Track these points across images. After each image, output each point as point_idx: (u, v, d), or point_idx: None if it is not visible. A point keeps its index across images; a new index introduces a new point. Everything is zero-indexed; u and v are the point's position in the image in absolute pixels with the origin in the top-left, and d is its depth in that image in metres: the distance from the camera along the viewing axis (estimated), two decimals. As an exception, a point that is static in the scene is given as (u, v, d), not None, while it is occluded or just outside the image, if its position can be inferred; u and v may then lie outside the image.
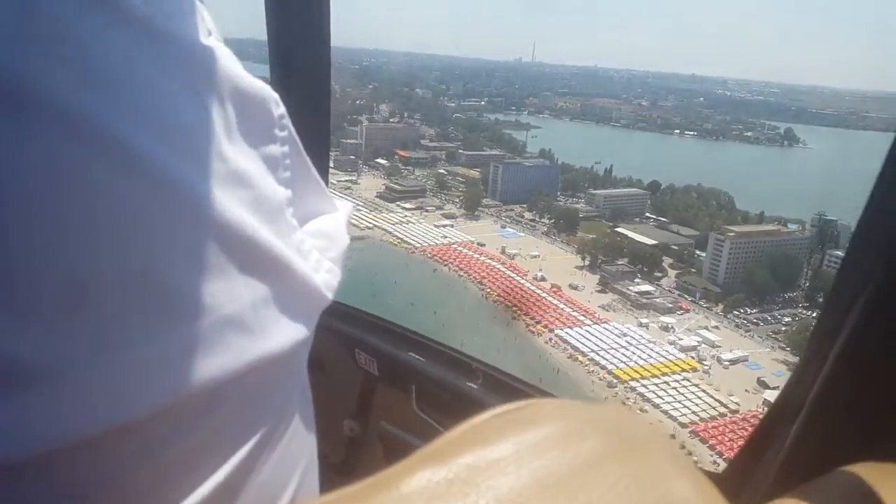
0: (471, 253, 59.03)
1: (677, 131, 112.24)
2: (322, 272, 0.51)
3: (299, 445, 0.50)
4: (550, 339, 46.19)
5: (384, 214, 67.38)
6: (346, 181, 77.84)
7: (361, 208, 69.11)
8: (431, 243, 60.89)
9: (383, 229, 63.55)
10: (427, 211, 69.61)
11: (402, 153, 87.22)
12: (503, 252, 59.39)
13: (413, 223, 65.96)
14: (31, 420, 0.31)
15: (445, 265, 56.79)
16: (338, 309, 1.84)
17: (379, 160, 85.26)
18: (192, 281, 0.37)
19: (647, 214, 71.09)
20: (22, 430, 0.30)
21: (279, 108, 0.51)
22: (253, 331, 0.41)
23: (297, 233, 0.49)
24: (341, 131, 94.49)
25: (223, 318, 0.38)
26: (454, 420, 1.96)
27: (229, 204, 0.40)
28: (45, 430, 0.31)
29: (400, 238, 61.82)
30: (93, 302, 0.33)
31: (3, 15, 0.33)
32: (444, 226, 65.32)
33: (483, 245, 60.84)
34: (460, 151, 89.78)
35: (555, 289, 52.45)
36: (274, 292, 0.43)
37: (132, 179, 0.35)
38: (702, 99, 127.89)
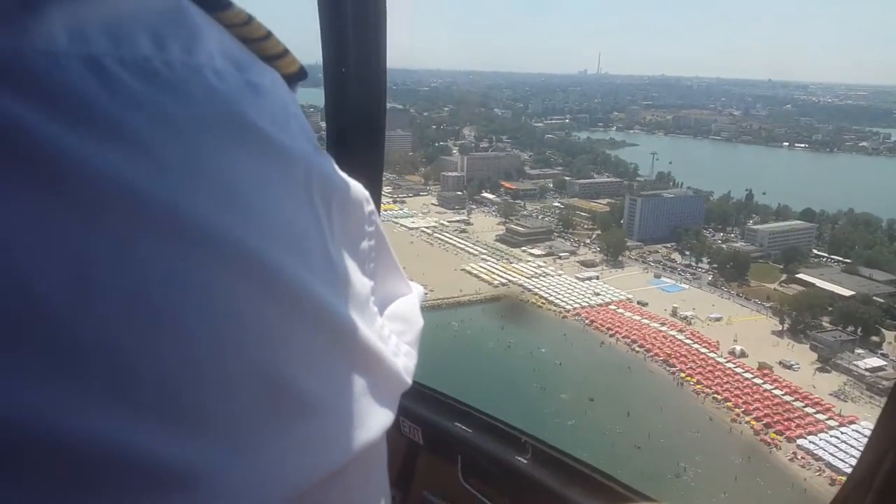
0: (635, 316, 45.89)
1: (786, 144, 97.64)
2: (401, 356, 0.52)
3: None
4: (795, 454, 32.80)
5: (514, 265, 54.69)
6: (457, 222, 65.17)
7: (487, 257, 56.48)
8: (583, 303, 47.87)
9: (520, 285, 50.84)
10: (560, 258, 56.71)
11: (507, 185, 74.51)
12: (675, 314, 46.10)
13: (551, 275, 53.09)
14: None
15: (611, 335, 43.75)
16: None
17: (486, 194, 72.67)
18: (312, 381, 0.39)
19: (816, 252, 57.20)
20: None
21: (369, 206, 0.53)
22: (355, 422, 0.42)
23: (378, 319, 0.50)
24: (437, 162, 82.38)
25: (334, 413, 0.40)
26: (502, 494, 1.75)
27: (339, 305, 0.42)
28: None
29: (543, 297, 48.98)
30: (233, 408, 0.35)
31: (153, 145, 0.35)
32: (589, 278, 52.30)
33: (645, 305, 47.69)
34: (567, 179, 76.83)
35: (764, 370, 39.02)
36: (369, 383, 0.44)
37: (267, 293, 0.38)
38: (789, 106, 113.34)
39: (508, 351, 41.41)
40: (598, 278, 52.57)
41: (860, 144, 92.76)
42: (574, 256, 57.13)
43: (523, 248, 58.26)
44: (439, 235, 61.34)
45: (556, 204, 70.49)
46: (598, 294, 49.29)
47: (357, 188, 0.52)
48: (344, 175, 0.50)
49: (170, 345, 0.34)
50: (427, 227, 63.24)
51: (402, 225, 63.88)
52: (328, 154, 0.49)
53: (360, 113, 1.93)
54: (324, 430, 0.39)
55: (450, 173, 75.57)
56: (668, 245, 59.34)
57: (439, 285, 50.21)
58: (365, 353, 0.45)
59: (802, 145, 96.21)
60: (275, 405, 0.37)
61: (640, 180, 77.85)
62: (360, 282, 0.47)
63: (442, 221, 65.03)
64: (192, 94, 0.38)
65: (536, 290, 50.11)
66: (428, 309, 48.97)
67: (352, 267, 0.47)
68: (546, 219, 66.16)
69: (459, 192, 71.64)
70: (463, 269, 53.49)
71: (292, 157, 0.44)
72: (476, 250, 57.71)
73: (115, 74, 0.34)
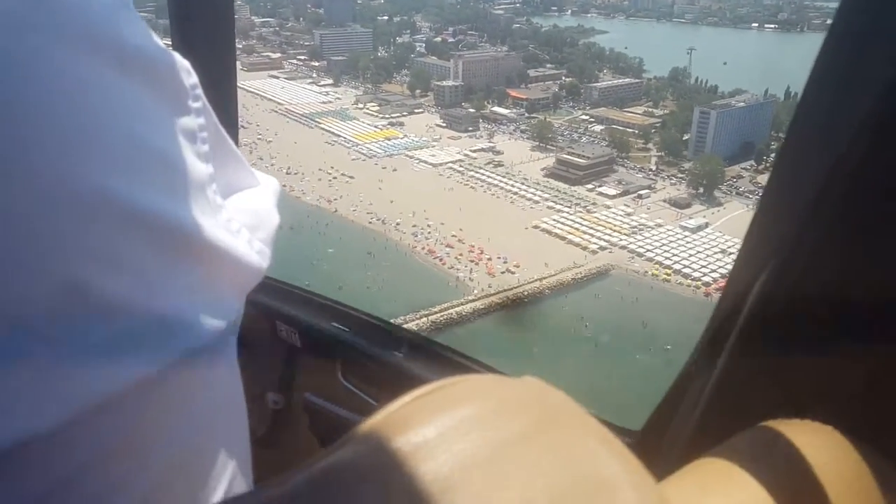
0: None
1: (755, 25, 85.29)
2: (253, 253, 0.43)
3: (234, 420, 0.45)
4: None
5: (595, 214, 39.68)
6: (483, 152, 48.46)
7: (554, 204, 40.96)
8: (720, 270, 34.18)
9: (624, 248, 36.26)
10: (641, 196, 42.24)
11: (515, 94, 57.76)
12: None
13: (650, 227, 38.60)
14: None
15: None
16: None
17: (497, 108, 55.93)
18: (111, 280, 0.31)
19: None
20: None
21: (191, 78, 0.42)
22: (185, 323, 0.35)
23: (223, 211, 0.41)
24: (410, 64, 63.93)
25: (152, 315, 0.33)
26: (381, 390, 1.63)
27: (145, 192, 0.33)
28: None
29: (664, 265, 34.79)
30: (4, 315, 0.28)
31: None
32: (699, 227, 38.36)
33: (791, 262, 34.45)
34: (570, 80, 61.10)
35: None
36: (203, 278, 0.37)
37: (33, 189, 0.29)
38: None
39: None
40: (708, 226, 38.81)
41: (827, 22, 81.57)
42: (654, 193, 42.85)
43: (588, 185, 43.14)
44: (474, 174, 44.81)
45: (584, 117, 55.08)
46: (726, 251, 35.57)
47: (171, 56, 0.41)
48: (155, 40, 0.39)
49: None
50: (454, 163, 46.41)
51: (422, 161, 46.60)
52: (134, 12, 0.38)
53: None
54: (140, 333, 0.32)
55: (444, 83, 57.81)
56: (746, 165, 46.12)
57: (521, 256, 34.84)
58: (199, 246, 0.37)
59: (772, 26, 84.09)
60: (71, 308, 0.30)
61: (648, 77, 63.30)
62: (192, 166, 0.38)
63: (465, 152, 48.21)
64: None
65: (649, 253, 35.73)
66: (530, 299, 32.19)
67: (172, 148, 0.37)
68: (583, 138, 50.88)
69: (470, 109, 54.45)
70: (535, 227, 38.07)
71: (79, 15, 0.33)
72: (534, 195, 41.94)
73: None
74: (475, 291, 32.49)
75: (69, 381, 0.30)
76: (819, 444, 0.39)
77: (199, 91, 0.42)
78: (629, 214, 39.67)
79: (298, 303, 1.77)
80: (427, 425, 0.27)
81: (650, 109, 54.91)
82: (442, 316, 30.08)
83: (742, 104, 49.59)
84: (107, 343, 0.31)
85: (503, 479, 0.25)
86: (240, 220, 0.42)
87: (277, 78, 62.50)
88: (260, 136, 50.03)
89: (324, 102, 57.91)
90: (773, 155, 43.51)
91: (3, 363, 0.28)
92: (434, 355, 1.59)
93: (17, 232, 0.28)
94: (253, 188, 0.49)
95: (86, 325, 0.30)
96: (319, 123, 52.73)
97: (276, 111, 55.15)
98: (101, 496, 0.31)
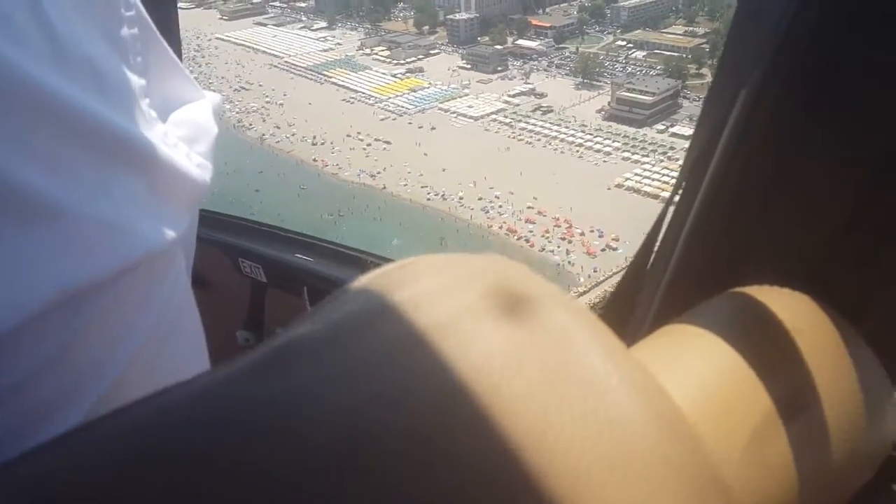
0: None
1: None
2: (193, 167, 0.39)
3: (190, 346, 0.42)
4: None
5: (679, 163, 33.63)
6: (524, 96, 41.47)
7: (630, 154, 34.75)
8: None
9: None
10: (721, 136, 36.34)
11: (538, 23, 50.49)
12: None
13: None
14: None
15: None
16: (213, 219, 1.76)
17: (522, 41, 48.61)
18: (38, 178, 0.28)
19: None
20: None
21: None
22: (120, 230, 0.31)
23: (158, 125, 0.37)
24: (410, 0, 55.47)
25: (84, 218, 0.30)
26: None
27: (71, 91, 0.30)
28: None
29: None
30: None
31: None
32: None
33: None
34: (604, 3, 53.55)
35: None
36: (145, 189, 0.33)
37: None
38: None
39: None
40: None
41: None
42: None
43: (657, 126, 37.01)
44: (524, 125, 38.15)
45: (620, 43, 48.22)
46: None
47: None
48: None
49: None
50: (496, 114, 39.50)
51: (460, 114, 39.63)
52: None
53: None
54: (70, 236, 0.29)
55: (457, 16, 50.03)
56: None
57: (616, 226, 29.04)
58: (135, 153, 0.33)
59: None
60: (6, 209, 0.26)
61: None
62: (121, 75, 0.34)
63: (505, 98, 41.23)
64: None
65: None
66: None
67: (102, 56, 0.33)
68: (628, 68, 44.29)
69: (496, 46, 46.95)
70: (619, 186, 32.11)
71: None
72: (603, 145, 35.67)
73: None
74: (581, 280, 26.81)
75: (10, 286, 0.27)
76: (793, 310, 0.37)
77: (136, 0, 0.38)
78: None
79: (260, 237, 1.73)
80: (375, 301, 0.24)
81: (689, 28, 48.27)
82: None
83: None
84: (47, 247, 0.28)
85: (440, 354, 0.22)
86: (176, 133, 0.39)
87: (265, 25, 53.65)
88: (268, 99, 42.28)
89: (325, 51, 49.80)
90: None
91: None
92: None
93: None
94: (193, 102, 0.45)
95: (22, 225, 0.27)
96: (329, 77, 44.98)
97: (275, 66, 47.12)
98: (54, 400, 0.29)
